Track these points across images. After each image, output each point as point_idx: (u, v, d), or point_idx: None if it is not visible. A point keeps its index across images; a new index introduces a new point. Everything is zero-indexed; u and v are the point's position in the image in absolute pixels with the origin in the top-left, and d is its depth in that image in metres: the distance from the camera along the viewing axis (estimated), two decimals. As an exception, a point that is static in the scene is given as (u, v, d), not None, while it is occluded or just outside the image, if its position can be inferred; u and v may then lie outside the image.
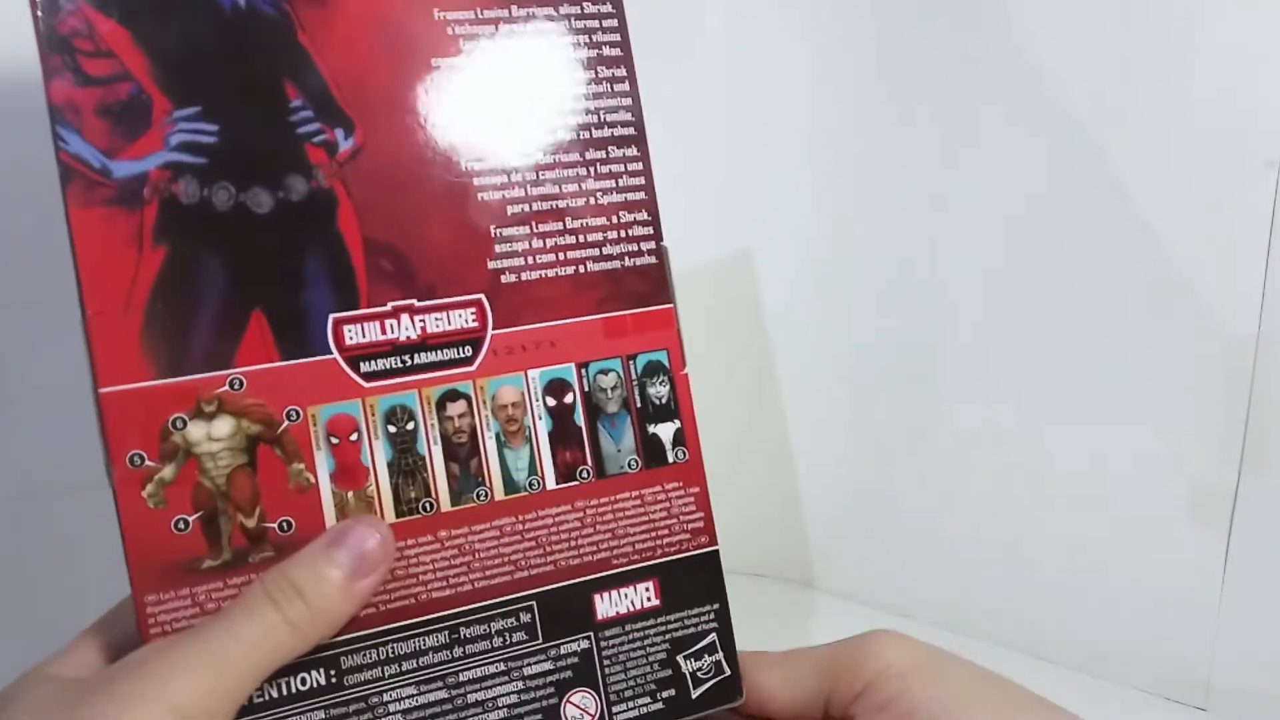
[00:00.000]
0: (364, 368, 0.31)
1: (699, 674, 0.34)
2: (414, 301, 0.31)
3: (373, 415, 0.31)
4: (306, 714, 0.29)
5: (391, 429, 0.31)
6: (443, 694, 0.31)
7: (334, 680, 0.30)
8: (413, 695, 0.30)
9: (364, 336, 0.31)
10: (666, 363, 0.34)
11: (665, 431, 0.34)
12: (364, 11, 0.31)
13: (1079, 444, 0.48)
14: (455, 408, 0.32)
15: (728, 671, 0.34)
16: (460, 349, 0.32)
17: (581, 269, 0.33)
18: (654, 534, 0.33)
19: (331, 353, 0.30)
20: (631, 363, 0.34)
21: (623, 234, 0.34)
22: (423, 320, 0.31)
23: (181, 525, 0.29)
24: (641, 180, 0.34)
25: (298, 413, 0.30)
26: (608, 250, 0.33)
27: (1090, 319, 0.47)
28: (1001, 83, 0.48)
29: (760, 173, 0.61)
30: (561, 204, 0.33)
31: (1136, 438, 0.46)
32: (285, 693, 0.29)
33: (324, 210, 0.30)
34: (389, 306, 0.31)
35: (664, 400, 0.34)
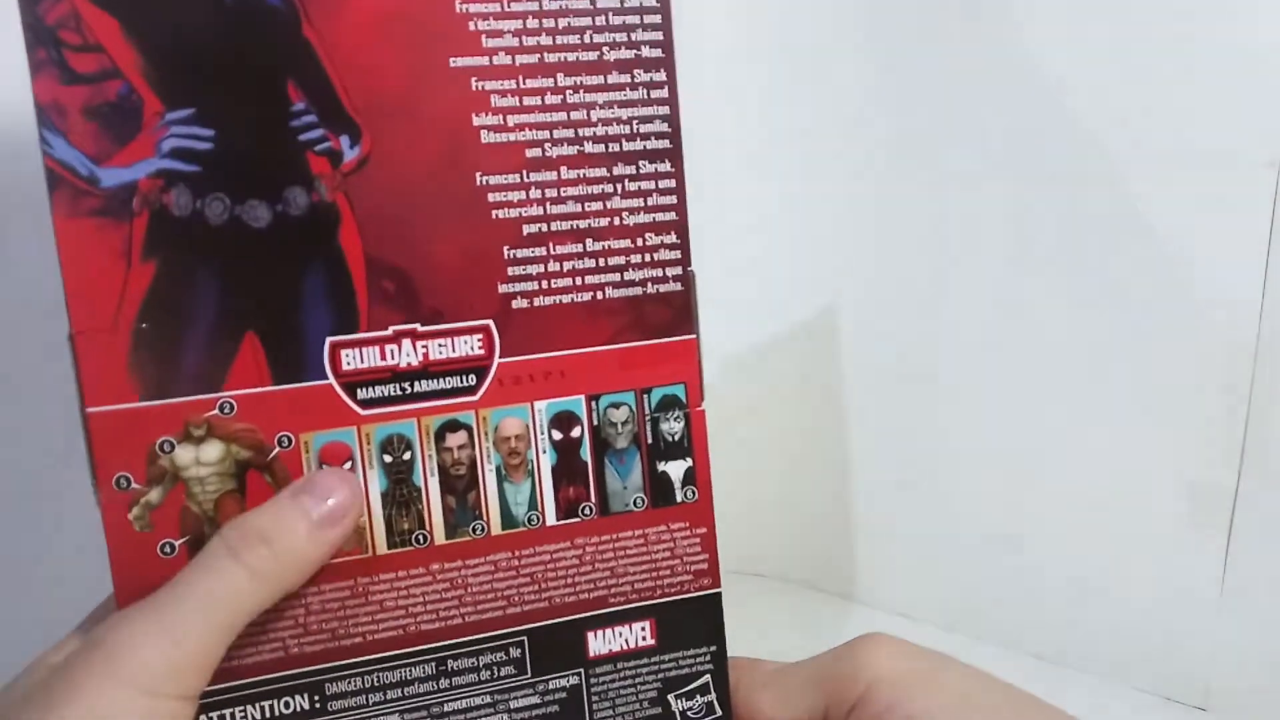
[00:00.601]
0: (361, 394, 0.29)
1: (689, 714, 0.33)
2: (417, 326, 0.29)
3: (368, 444, 0.29)
4: None
5: (387, 459, 0.30)
6: None
7: (318, 705, 0.30)
8: None
9: (362, 362, 0.29)
10: (683, 398, 0.32)
11: (675, 470, 0.32)
12: (377, 2, 0.28)
13: (1079, 444, 0.47)
14: (455, 439, 0.30)
15: (719, 713, 0.33)
16: (464, 377, 0.30)
17: (600, 295, 0.31)
18: (655, 574, 0.32)
19: (327, 378, 0.29)
20: (646, 396, 0.32)
21: (648, 258, 0.31)
22: (425, 346, 0.29)
23: (168, 549, 0.28)
24: (673, 199, 0.31)
25: (290, 439, 0.29)
26: (630, 275, 0.31)
27: (1090, 319, 0.46)
28: (1002, 83, 0.46)
29: (761, 175, 0.58)
30: (583, 224, 0.30)
31: (1136, 438, 0.46)
32: (269, 716, 0.29)
33: (325, 226, 0.28)
34: (390, 331, 0.29)
35: (677, 437, 0.32)
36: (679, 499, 0.32)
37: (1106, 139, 0.44)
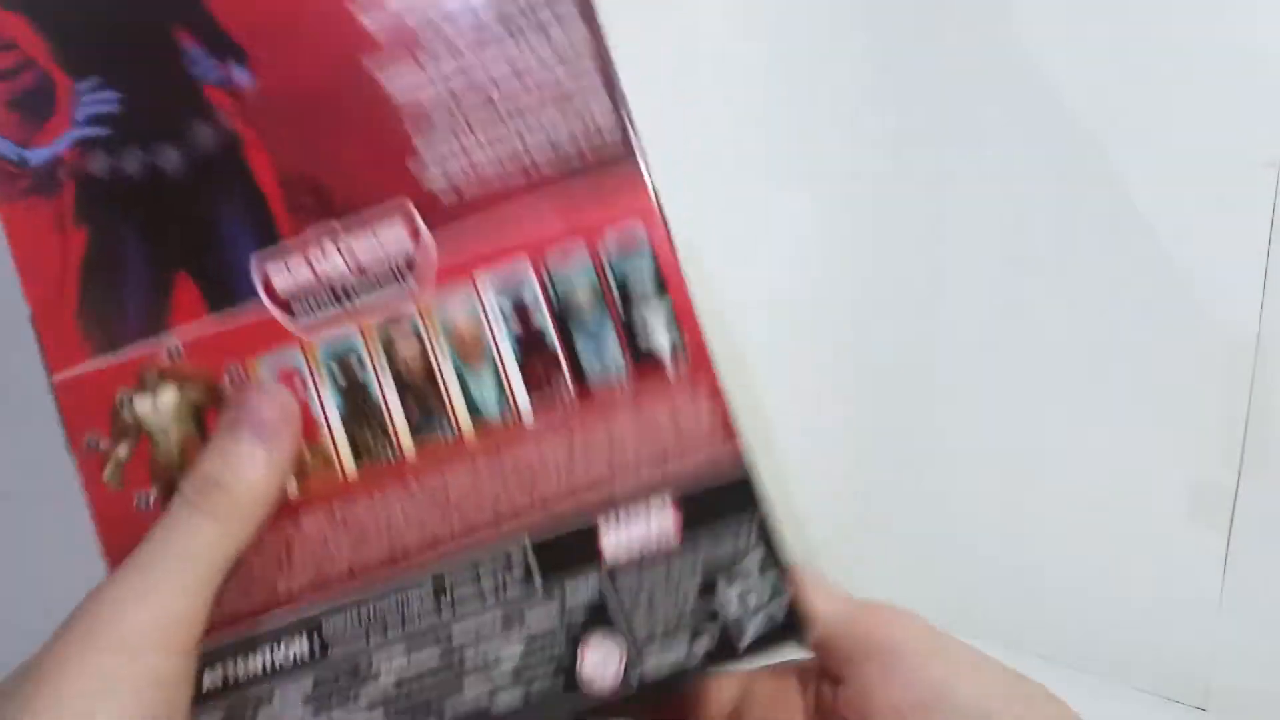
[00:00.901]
0: (297, 311, 0.28)
1: (749, 598, 0.27)
2: (339, 231, 0.28)
3: (315, 362, 0.28)
4: (297, 683, 0.27)
5: (338, 374, 0.28)
6: (437, 656, 0.27)
7: (318, 647, 0.27)
8: (403, 659, 0.27)
9: (292, 278, 0.28)
10: (645, 239, 0.28)
11: (655, 322, 0.28)
12: None
13: (1079, 444, 0.47)
14: (402, 340, 0.28)
15: (784, 599, 0.27)
16: (398, 274, 0.28)
17: (526, 158, 0.28)
18: (661, 449, 0.28)
19: (261, 300, 0.28)
20: (601, 249, 0.28)
21: (570, 107, 0.28)
22: (351, 249, 0.28)
23: (144, 503, 0.28)
24: (584, 37, 0.28)
25: (238, 369, 0.28)
26: (555, 132, 0.28)
27: (1090, 319, 0.46)
28: (1001, 84, 0.46)
29: (757, 175, 0.56)
30: (490, 88, 0.28)
31: (1136, 438, 0.45)
32: (271, 663, 0.27)
33: (232, 154, 0.28)
34: (313, 241, 0.28)
35: (647, 286, 0.28)
36: (668, 357, 0.28)
37: (1106, 139, 0.44)
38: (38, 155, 0.28)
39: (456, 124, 0.28)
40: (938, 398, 0.52)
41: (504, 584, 0.27)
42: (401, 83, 0.28)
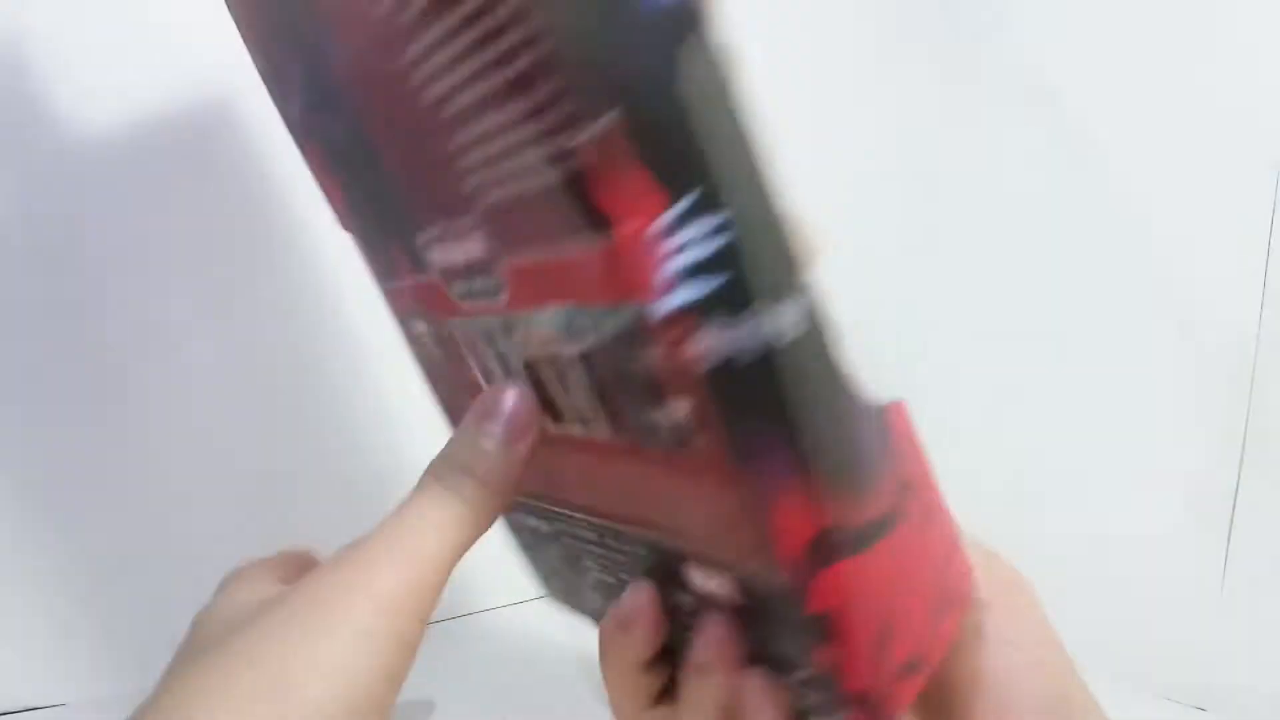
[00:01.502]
0: (451, 288, 0.29)
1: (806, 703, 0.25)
2: (444, 233, 0.27)
3: (467, 331, 0.29)
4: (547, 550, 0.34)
5: (480, 349, 0.29)
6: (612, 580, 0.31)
7: (548, 529, 0.33)
8: (595, 569, 0.32)
9: (441, 260, 0.28)
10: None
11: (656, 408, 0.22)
12: None
13: (1078, 444, 0.46)
14: (501, 335, 0.27)
15: None
16: (488, 283, 0.26)
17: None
18: (705, 532, 0.24)
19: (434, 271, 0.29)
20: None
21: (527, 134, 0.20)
22: (454, 250, 0.27)
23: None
24: (531, 34, 0.19)
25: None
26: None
27: (1090, 319, 0.45)
28: (1001, 83, 0.46)
29: None
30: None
31: (1136, 437, 0.45)
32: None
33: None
34: (441, 232, 0.27)
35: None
36: (681, 441, 0.22)
37: (1107, 140, 0.45)
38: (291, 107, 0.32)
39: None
40: (935, 398, 0.48)
41: (621, 574, 0.29)
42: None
